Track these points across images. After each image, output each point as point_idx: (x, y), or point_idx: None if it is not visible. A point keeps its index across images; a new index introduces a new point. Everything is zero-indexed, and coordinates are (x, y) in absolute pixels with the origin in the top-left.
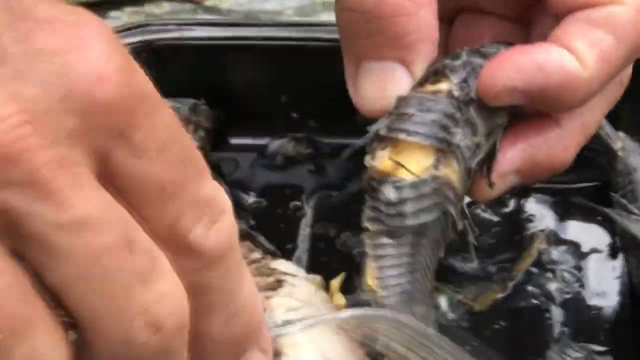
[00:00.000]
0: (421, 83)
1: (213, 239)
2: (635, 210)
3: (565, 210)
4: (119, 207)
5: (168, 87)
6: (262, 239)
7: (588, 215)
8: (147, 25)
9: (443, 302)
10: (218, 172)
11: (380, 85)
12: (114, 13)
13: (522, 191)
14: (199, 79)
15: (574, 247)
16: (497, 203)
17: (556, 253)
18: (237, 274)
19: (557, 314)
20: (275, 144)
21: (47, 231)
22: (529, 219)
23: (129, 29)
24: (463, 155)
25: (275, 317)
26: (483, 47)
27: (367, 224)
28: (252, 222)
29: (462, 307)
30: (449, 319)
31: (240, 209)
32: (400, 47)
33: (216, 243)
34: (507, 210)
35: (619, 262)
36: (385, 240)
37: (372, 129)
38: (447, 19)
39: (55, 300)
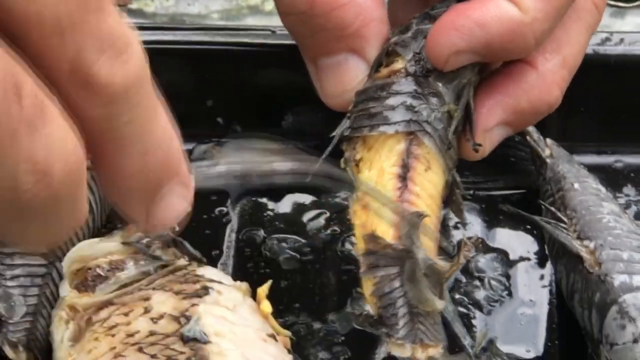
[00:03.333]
0: (376, 68)
1: (119, 71)
2: (564, 218)
3: (493, 217)
4: (5, 51)
5: None
6: (187, 245)
7: (516, 223)
8: None
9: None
10: None
11: (339, 79)
12: None
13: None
14: None
15: (502, 255)
16: None
17: (484, 261)
18: (149, 107)
19: (484, 321)
20: (200, 149)
21: None
22: (457, 226)
23: None
24: (435, 128)
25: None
26: (433, 9)
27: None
28: (177, 229)
29: None
30: None
31: None
32: (346, 38)
33: (123, 76)
34: None
35: (547, 270)
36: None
37: (337, 132)
38: None
39: None
